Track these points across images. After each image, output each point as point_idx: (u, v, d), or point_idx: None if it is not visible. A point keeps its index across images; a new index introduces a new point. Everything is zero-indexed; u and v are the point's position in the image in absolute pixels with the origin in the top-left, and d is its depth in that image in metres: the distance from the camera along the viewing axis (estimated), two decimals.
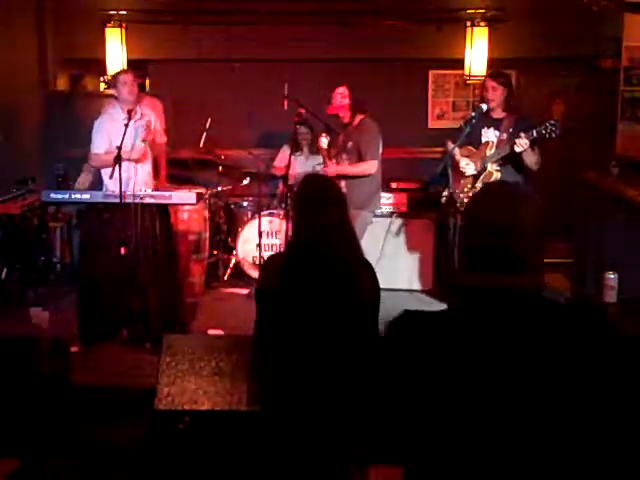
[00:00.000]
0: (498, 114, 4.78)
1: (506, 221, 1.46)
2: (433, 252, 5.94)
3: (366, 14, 6.73)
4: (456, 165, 4.90)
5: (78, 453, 3.39)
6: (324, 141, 5.34)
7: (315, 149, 6.20)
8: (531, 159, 4.59)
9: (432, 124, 7.10)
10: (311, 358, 2.53)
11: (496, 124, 4.76)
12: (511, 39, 6.73)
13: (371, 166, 5.08)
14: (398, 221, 5.96)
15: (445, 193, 4.97)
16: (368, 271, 2.67)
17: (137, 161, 4.63)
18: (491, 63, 6.70)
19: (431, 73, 7.08)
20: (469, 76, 6.80)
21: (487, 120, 4.77)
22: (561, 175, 6.29)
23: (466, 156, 4.84)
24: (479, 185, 4.78)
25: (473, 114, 4.71)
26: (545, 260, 6.16)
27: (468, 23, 6.74)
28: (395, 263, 5.89)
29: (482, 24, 6.70)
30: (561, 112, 6.77)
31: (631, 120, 5.32)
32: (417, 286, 5.96)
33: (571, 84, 6.92)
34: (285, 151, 6.32)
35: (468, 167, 4.78)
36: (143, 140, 4.62)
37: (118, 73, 4.84)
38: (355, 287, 2.57)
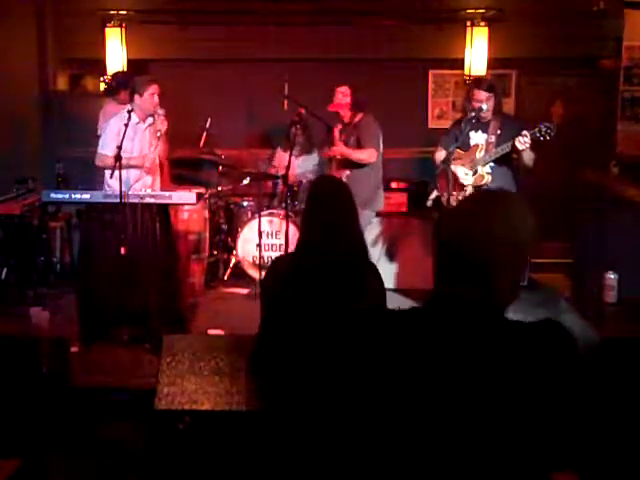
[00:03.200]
0: (487, 118, 4.77)
1: (457, 238, 1.55)
2: (433, 252, 5.94)
3: (366, 14, 6.73)
4: (445, 170, 4.87)
5: (78, 453, 3.39)
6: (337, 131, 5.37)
7: (310, 148, 6.21)
8: (529, 156, 4.59)
9: (432, 124, 7.10)
10: (317, 358, 2.53)
11: (484, 127, 4.76)
12: (511, 39, 6.73)
13: (371, 154, 5.11)
14: (398, 221, 5.97)
15: (432, 196, 4.94)
16: (375, 274, 2.67)
17: (147, 172, 4.66)
18: (491, 63, 6.71)
19: (431, 73, 7.07)
20: (469, 76, 6.79)
21: (474, 123, 4.74)
22: (561, 175, 6.29)
23: (457, 159, 4.82)
24: (469, 188, 4.77)
25: (473, 114, 4.70)
26: (545, 260, 6.17)
27: (468, 23, 6.74)
28: (395, 263, 5.89)
29: (482, 24, 6.70)
30: (561, 112, 6.77)
31: (631, 120, 5.33)
32: (417, 286, 5.95)
33: (571, 84, 6.92)
34: (280, 152, 6.33)
35: (467, 177, 4.77)
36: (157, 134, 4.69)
37: (147, 82, 4.69)
38: (364, 289, 2.57)
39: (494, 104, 4.73)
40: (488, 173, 4.70)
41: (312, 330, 2.53)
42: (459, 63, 6.81)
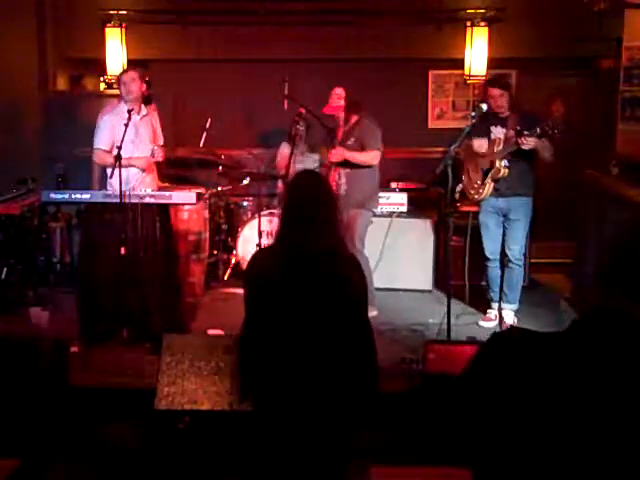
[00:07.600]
0: (504, 113, 4.91)
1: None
2: (433, 252, 5.94)
3: (366, 14, 6.73)
4: (464, 162, 5.02)
5: (78, 453, 3.39)
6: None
7: (310, 148, 6.20)
8: (546, 151, 4.73)
9: (432, 124, 7.10)
10: (303, 356, 2.54)
11: (503, 122, 4.90)
12: (511, 39, 6.73)
13: (375, 156, 5.14)
14: (398, 221, 5.96)
15: (458, 189, 5.04)
16: (356, 266, 2.67)
17: (144, 170, 4.68)
18: (491, 63, 6.71)
19: (431, 73, 7.08)
20: (469, 76, 6.80)
21: (495, 118, 4.91)
22: (561, 175, 6.29)
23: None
24: (488, 181, 4.86)
25: (473, 114, 4.78)
26: (545, 260, 6.15)
27: (468, 23, 6.75)
28: (395, 263, 5.89)
29: (482, 24, 6.70)
30: (561, 112, 6.77)
31: (631, 120, 5.31)
32: (417, 286, 5.96)
33: (571, 84, 6.92)
34: (284, 149, 6.32)
35: (480, 148, 4.92)
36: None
37: (121, 72, 4.85)
38: (343, 286, 2.57)
39: (508, 102, 4.88)
40: (505, 167, 4.81)
41: (295, 325, 2.54)
42: (459, 63, 6.82)
